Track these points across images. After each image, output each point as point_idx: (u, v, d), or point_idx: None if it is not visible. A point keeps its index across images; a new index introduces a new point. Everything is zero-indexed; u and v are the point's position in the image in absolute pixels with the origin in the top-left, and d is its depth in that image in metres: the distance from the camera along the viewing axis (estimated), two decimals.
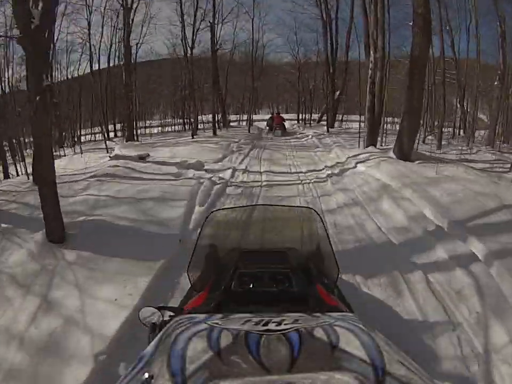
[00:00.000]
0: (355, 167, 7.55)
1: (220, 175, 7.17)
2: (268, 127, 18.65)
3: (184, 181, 6.32)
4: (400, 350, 0.84)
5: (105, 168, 7.27)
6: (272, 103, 33.40)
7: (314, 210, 2.24)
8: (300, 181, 6.99)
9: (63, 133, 14.92)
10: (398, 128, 8.40)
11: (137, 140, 14.16)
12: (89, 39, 16.07)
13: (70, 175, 7.27)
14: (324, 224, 2.15)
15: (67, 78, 16.78)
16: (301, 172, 7.89)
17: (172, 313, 1.60)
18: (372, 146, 9.18)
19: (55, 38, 14.95)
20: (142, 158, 8.86)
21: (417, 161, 7.22)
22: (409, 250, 3.80)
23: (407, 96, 7.53)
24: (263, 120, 21.51)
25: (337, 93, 17.46)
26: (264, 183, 6.82)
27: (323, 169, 8.03)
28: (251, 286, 1.71)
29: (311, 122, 20.90)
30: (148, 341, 1.36)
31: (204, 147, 10.39)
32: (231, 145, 11.12)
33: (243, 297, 1.62)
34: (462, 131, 13.13)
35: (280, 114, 18.90)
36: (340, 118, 19.23)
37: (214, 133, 14.93)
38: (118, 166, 7.40)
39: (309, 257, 2.14)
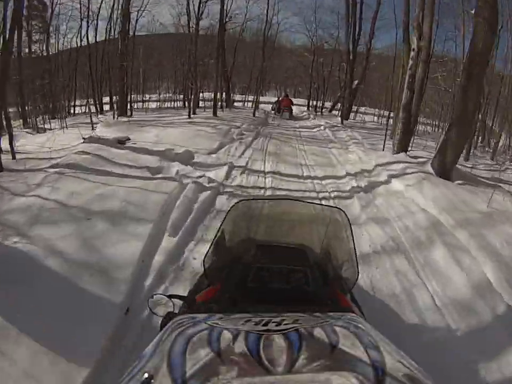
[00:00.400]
0: (388, 182, 5.87)
1: (211, 174, 5.56)
2: (274, 110, 17.68)
3: (162, 183, 4.68)
4: (400, 350, 0.80)
5: (71, 155, 5.74)
6: (280, 85, 31.86)
7: (343, 211, 2.02)
8: (316, 193, 5.39)
9: (57, 104, 13.62)
10: (423, 130, 6.78)
11: (131, 115, 12.72)
12: (89, 5, 14.65)
13: (37, 159, 5.89)
14: (351, 227, 1.92)
15: (69, 47, 15.67)
16: (316, 178, 6.25)
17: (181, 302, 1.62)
18: (403, 153, 7.48)
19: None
20: (121, 142, 7.39)
21: (457, 181, 5.80)
22: (477, 356, 2.36)
23: (460, 101, 5.86)
24: (269, 102, 20.15)
25: (356, 82, 15.47)
26: (269, 192, 5.23)
27: (344, 177, 6.36)
28: (266, 281, 1.66)
29: (323, 110, 19.00)
30: (160, 329, 1.32)
31: (199, 131, 8.73)
32: (232, 131, 9.44)
33: (258, 293, 1.59)
34: (479, 139, 12.25)
35: (289, 97, 17.67)
36: (355, 110, 17.29)
37: (214, 113, 13.15)
38: (88, 153, 5.86)
39: (329, 257, 2.04)
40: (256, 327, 0.85)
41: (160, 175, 5.09)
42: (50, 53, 14.66)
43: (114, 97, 15.34)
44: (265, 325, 0.87)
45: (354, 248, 1.90)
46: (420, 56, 7.45)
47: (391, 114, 10.78)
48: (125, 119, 11.60)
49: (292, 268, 1.73)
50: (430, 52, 7.56)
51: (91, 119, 9.59)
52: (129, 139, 7.82)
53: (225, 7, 15.01)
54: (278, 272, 1.71)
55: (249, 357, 0.72)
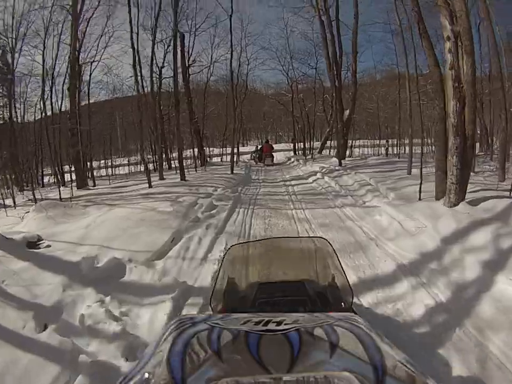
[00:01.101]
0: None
1: (140, 329, 2.77)
2: (255, 159, 17.16)
3: None
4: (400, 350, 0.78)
5: None
6: (260, 132, 30.17)
7: (326, 239, 2.21)
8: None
9: (24, 175, 12.24)
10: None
11: (94, 185, 11.56)
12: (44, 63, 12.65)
13: None
14: (335, 251, 2.09)
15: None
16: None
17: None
18: (466, 205, 4.55)
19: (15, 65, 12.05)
20: (31, 245, 4.95)
21: None
22: None
23: None
24: (250, 152, 19.42)
25: (347, 112, 12.91)
26: None
27: (412, 292, 3.22)
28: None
29: (312, 152, 16.47)
30: None
31: (150, 212, 5.83)
32: (198, 205, 6.55)
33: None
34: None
35: (270, 143, 17.27)
36: (350, 144, 14.71)
37: (182, 177, 10.38)
38: None
39: (325, 285, 2.10)
40: (256, 327, 0.84)
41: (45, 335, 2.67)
42: (15, 119, 12.95)
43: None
44: (265, 325, 0.86)
45: (343, 270, 2.01)
46: (462, 47, 4.65)
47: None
48: (84, 192, 9.92)
49: (293, 299, 1.82)
50: (470, 38, 4.75)
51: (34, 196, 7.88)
52: (41, 240, 5.19)
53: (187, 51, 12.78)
54: (281, 305, 1.80)
55: (249, 357, 0.71)
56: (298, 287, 2.00)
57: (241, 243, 2.46)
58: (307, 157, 15.79)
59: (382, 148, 15.70)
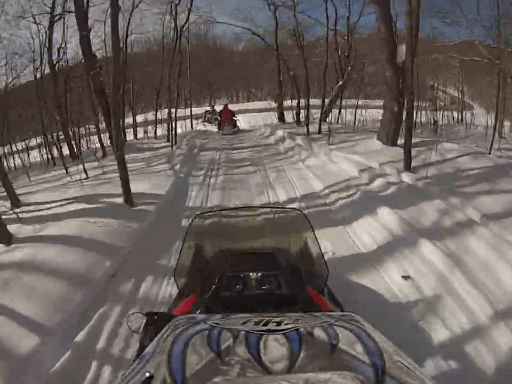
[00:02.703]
0: None
1: None
2: (209, 121, 15.63)
3: None
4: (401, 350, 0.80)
5: None
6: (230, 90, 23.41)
7: (301, 211, 2.21)
8: None
9: None
10: None
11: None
12: None
13: None
14: (311, 225, 2.09)
15: None
16: None
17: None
18: None
19: None
20: None
21: None
22: None
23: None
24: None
25: (403, 49, 6.35)
26: None
27: None
28: (240, 289, 1.71)
29: (321, 122, 9.73)
30: (139, 347, 1.46)
31: None
32: None
33: (232, 301, 1.65)
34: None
35: (229, 107, 14.25)
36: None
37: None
38: None
39: (297, 258, 2.14)
40: (256, 327, 0.84)
41: None
42: None
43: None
44: (265, 325, 0.85)
45: (319, 244, 2.01)
46: None
47: None
48: None
49: (263, 273, 1.76)
50: None
51: None
52: None
53: None
54: (250, 278, 1.74)
55: (249, 357, 0.71)
56: (269, 259, 1.94)
57: (207, 212, 2.34)
58: (310, 133, 9.05)
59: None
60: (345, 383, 0.64)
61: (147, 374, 0.70)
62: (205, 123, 16.03)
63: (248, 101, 21.27)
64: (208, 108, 17.30)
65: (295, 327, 0.82)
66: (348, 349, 0.74)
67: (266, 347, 0.73)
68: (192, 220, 2.17)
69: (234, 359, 0.70)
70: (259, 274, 1.73)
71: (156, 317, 1.51)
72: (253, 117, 15.41)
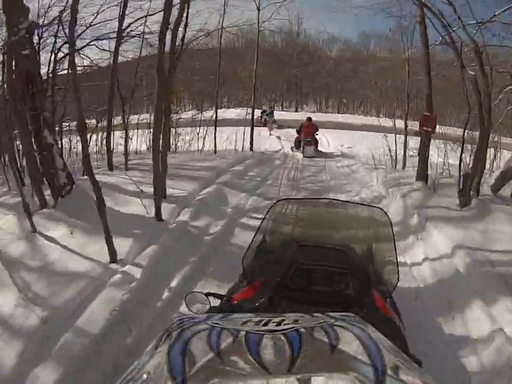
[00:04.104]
0: None
1: None
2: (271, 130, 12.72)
3: None
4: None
5: None
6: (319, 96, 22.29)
7: (385, 211, 2.10)
8: None
9: None
10: None
11: None
12: None
13: None
14: (392, 227, 1.99)
15: None
16: None
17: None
18: None
19: None
20: None
21: None
22: None
23: None
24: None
25: None
26: None
27: None
28: (306, 283, 1.70)
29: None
30: None
31: None
32: None
33: (296, 295, 1.63)
34: None
35: (312, 121, 10.99)
36: None
37: None
38: None
39: (370, 259, 2.08)
40: (256, 327, 0.83)
41: None
42: None
43: None
44: (265, 325, 0.84)
45: (395, 249, 1.91)
46: None
47: None
48: None
49: (333, 270, 1.74)
50: None
51: None
52: None
53: None
54: (319, 273, 1.73)
55: (249, 357, 0.71)
56: (340, 256, 1.89)
57: (289, 199, 2.45)
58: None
59: None
60: (345, 383, 0.66)
61: (146, 374, 0.70)
62: (260, 123, 12.57)
63: (339, 113, 19.00)
64: (265, 108, 15.20)
65: (295, 327, 0.81)
66: (348, 349, 0.73)
67: (266, 347, 0.73)
68: (272, 206, 2.18)
69: (234, 359, 0.70)
70: (328, 270, 1.71)
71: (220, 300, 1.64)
72: (348, 136, 11.87)
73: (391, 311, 1.65)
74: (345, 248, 2.00)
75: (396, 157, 7.97)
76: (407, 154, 8.01)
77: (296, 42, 21.45)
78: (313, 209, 2.44)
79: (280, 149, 11.31)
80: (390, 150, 8.12)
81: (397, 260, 1.87)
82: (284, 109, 19.58)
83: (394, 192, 5.71)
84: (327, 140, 11.11)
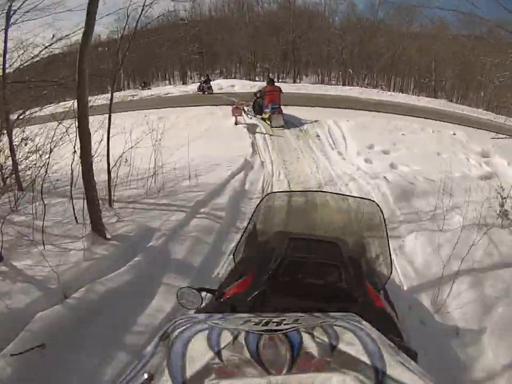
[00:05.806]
0: None
1: None
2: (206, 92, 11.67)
3: None
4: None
5: None
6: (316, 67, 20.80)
7: (376, 203, 2.06)
8: None
9: None
10: None
11: None
12: None
13: None
14: (384, 219, 1.95)
15: None
16: None
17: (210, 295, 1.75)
18: None
19: None
20: None
21: None
22: None
23: None
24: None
25: None
26: None
27: None
28: (298, 276, 1.67)
29: None
30: None
31: None
32: None
33: (289, 288, 1.60)
34: None
35: (275, 83, 9.25)
36: None
37: None
38: None
39: (362, 252, 2.04)
40: (256, 327, 0.83)
41: None
42: None
43: None
44: (265, 324, 0.84)
45: (388, 242, 1.89)
46: None
47: None
48: None
49: (325, 263, 1.72)
50: None
51: None
52: None
53: None
54: (311, 266, 1.70)
55: (249, 357, 0.70)
56: (332, 248, 1.86)
57: (279, 192, 2.32)
58: None
59: None
60: (345, 383, 0.66)
61: (146, 374, 0.70)
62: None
63: (344, 85, 17.11)
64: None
65: (295, 327, 0.81)
66: (347, 349, 0.73)
67: (266, 347, 0.73)
68: (262, 199, 2.19)
69: (234, 359, 0.70)
70: (320, 263, 1.70)
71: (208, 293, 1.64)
72: (379, 127, 7.67)
73: (384, 303, 1.66)
74: (337, 241, 1.96)
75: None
76: None
77: (294, 4, 19.21)
78: (304, 201, 2.40)
79: (248, 158, 6.59)
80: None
81: (389, 251, 1.86)
82: (281, 80, 17.39)
83: None
84: (342, 135, 6.83)
